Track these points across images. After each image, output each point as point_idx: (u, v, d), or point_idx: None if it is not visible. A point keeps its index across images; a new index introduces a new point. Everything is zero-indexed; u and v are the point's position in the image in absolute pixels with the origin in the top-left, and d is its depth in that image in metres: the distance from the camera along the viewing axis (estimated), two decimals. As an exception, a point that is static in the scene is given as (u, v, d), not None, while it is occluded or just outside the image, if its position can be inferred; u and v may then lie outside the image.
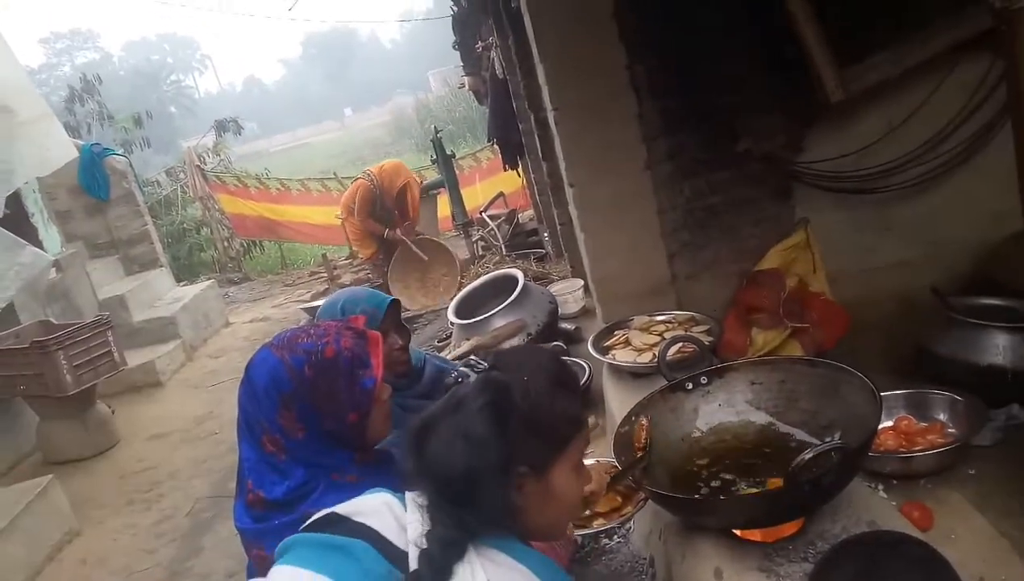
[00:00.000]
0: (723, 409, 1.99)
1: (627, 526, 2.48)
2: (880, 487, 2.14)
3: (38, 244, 6.21)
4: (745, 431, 1.94)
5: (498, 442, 1.03)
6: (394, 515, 1.08)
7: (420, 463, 1.07)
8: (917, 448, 2.22)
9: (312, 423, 1.41)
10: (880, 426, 2.06)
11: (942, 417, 2.38)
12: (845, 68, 2.71)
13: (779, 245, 3.04)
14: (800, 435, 1.84)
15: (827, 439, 1.70)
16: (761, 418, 1.94)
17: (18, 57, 5.60)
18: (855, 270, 3.08)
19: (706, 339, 2.60)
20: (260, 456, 1.43)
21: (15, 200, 5.95)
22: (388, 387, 1.54)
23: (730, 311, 3.08)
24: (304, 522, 1.35)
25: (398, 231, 6.82)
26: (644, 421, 1.89)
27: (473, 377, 1.19)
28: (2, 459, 4.63)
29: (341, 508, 1.11)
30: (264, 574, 1.41)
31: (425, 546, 1.01)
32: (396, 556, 1.03)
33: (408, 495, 1.10)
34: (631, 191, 2.97)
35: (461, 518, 1.01)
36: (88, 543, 3.70)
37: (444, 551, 0.99)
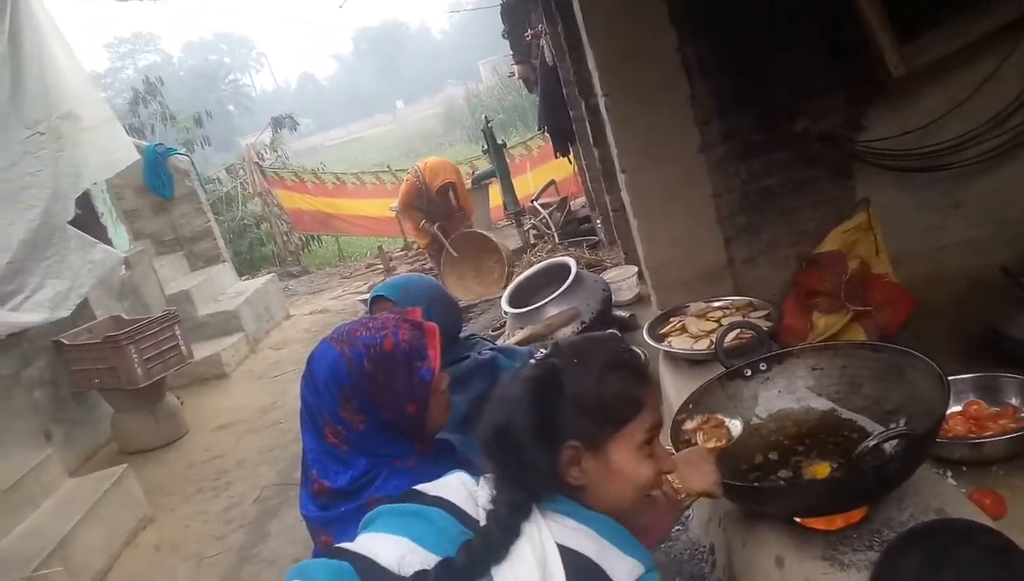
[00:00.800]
0: (783, 396, 1.96)
1: (686, 514, 2.47)
2: (949, 474, 2.07)
3: (108, 243, 6.44)
4: (806, 417, 1.90)
5: (536, 407, 1.10)
6: (467, 490, 1.15)
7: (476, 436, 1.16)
8: (988, 433, 2.14)
9: (372, 415, 1.44)
10: (948, 411, 1.99)
11: (1014, 401, 2.29)
12: (906, 44, 2.62)
13: (839, 227, 2.96)
14: (863, 421, 1.80)
15: (892, 425, 1.66)
16: (823, 404, 1.90)
17: (84, 63, 5.82)
18: (920, 251, 2.98)
19: (765, 325, 2.56)
20: (323, 447, 1.47)
21: (85, 201, 6.19)
22: (446, 377, 1.55)
23: (789, 295, 3.01)
24: (368, 508, 1.39)
25: (435, 226, 6.88)
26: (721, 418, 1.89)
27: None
28: (80, 449, 4.84)
29: (419, 486, 1.18)
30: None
31: (492, 508, 1.07)
32: (469, 522, 1.09)
33: (481, 478, 1.17)
34: (685, 175, 2.93)
35: (524, 483, 1.08)
36: (161, 529, 3.85)
37: (511, 511, 1.05)
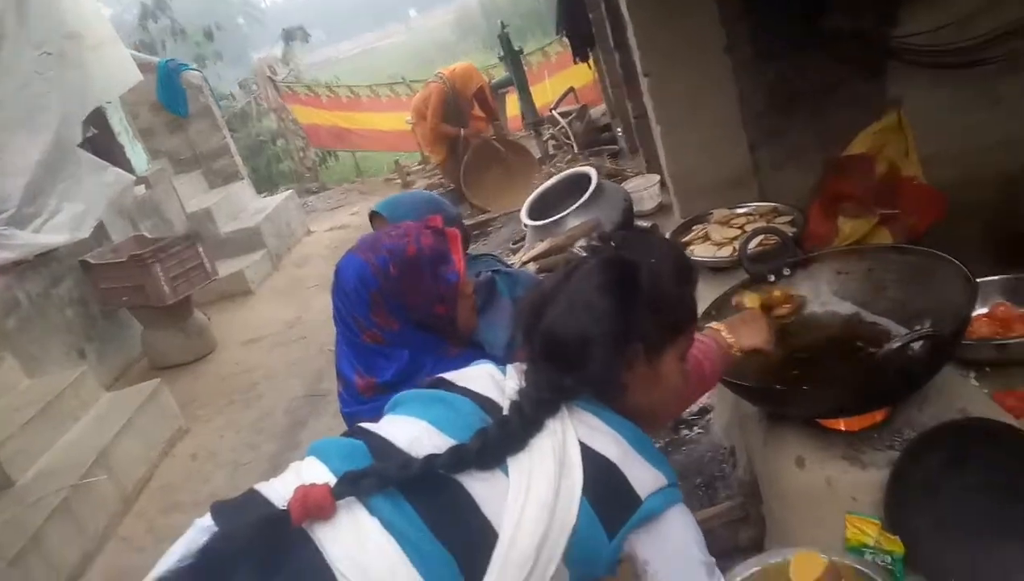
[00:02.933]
0: (807, 300, 1.95)
1: (707, 417, 2.51)
2: (972, 375, 2.07)
3: (126, 162, 6.44)
4: (830, 322, 1.90)
5: (618, 316, 1.06)
6: (494, 380, 1.14)
7: (534, 329, 1.10)
8: (1014, 335, 2.12)
9: (403, 316, 1.51)
10: (974, 313, 1.98)
11: (1042, 303, 2.26)
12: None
13: (869, 128, 2.87)
14: (888, 324, 1.80)
15: (917, 327, 1.65)
16: (847, 308, 1.89)
17: (88, -22, 5.67)
18: (954, 151, 2.88)
19: (789, 230, 2.53)
20: (362, 347, 1.53)
21: (101, 120, 6.15)
22: (472, 282, 1.61)
23: (815, 200, 2.95)
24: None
25: (475, 132, 6.76)
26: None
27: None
28: (113, 366, 4.98)
29: (448, 374, 1.18)
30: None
31: (518, 399, 1.05)
32: (494, 410, 1.08)
33: (509, 367, 1.15)
34: (710, 78, 2.83)
35: (561, 382, 1.05)
36: (196, 439, 3.98)
37: (537, 406, 1.03)
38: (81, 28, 5.17)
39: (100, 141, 5.84)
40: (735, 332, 1.55)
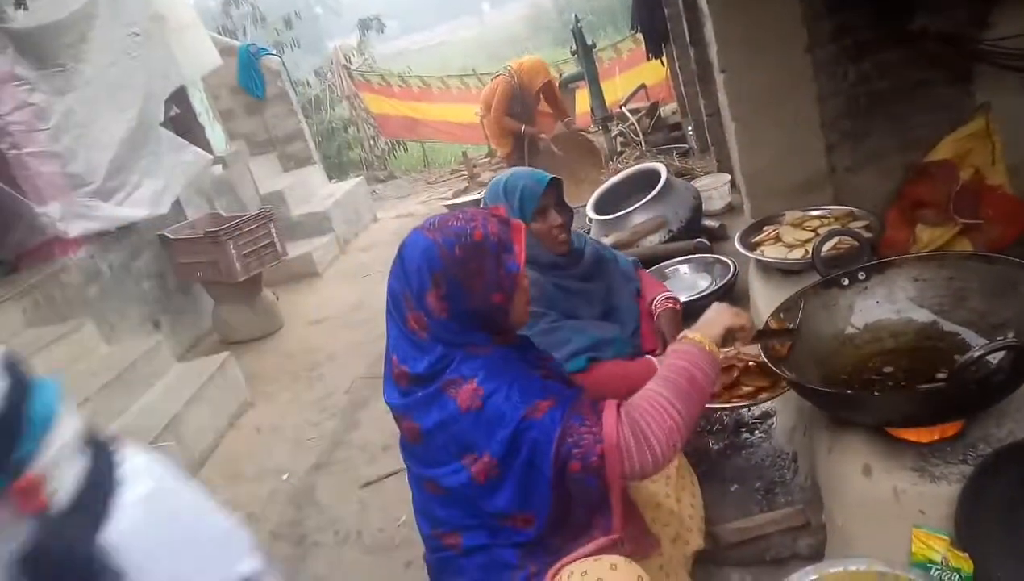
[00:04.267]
0: (881, 306, 1.91)
1: (769, 421, 2.47)
2: (1054, 394, 1.99)
3: (205, 142, 6.64)
4: (905, 329, 1.85)
5: None
6: None
7: None
8: (1102, 355, 2.03)
9: (457, 302, 1.49)
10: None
11: None
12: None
13: (954, 134, 2.77)
14: (968, 334, 1.74)
15: (999, 339, 1.60)
16: (924, 316, 1.84)
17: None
18: (1043, 161, 2.77)
19: (865, 235, 2.46)
20: (404, 333, 1.54)
21: (184, 100, 6.37)
22: (527, 276, 1.60)
23: (893, 206, 2.87)
24: (442, 392, 1.47)
25: (535, 130, 6.76)
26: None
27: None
28: (185, 338, 5.16)
29: None
30: (414, 442, 1.53)
31: None
32: None
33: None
34: (789, 76, 2.77)
35: None
36: (261, 414, 4.10)
37: None
38: (166, 11, 5.38)
39: (182, 120, 6.05)
40: (701, 329, 1.59)
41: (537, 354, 1.71)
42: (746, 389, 2.02)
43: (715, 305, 1.67)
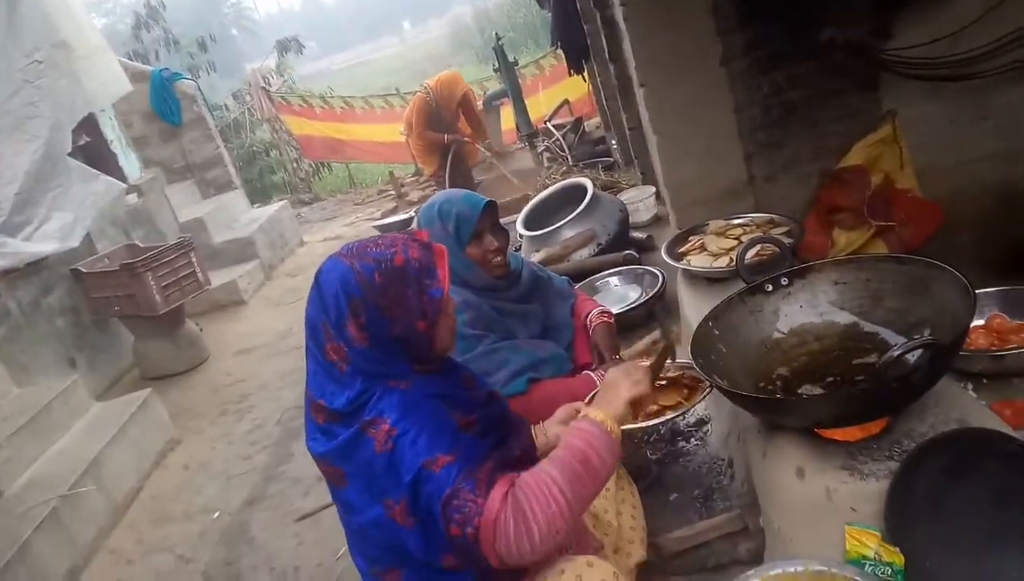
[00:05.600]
0: (805, 310, 1.95)
1: (704, 428, 2.50)
2: (970, 387, 2.08)
3: (119, 170, 6.41)
4: (829, 332, 1.90)
5: None
6: None
7: None
8: (1010, 346, 2.13)
9: (378, 330, 1.44)
10: (971, 324, 1.98)
11: (1038, 315, 2.27)
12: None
13: (864, 140, 2.90)
14: (887, 334, 1.80)
15: (916, 337, 1.65)
16: (845, 318, 1.89)
17: (80, -12, 5.69)
18: (948, 164, 2.91)
19: (786, 241, 2.52)
20: (322, 365, 1.48)
21: (94, 128, 6.13)
22: (453, 300, 1.57)
23: (811, 212, 2.97)
24: (362, 434, 1.41)
25: (458, 136, 6.81)
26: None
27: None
28: (104, 375, 4.93)
29: None
30: (338, 485, 1.49)
31: None
32: None
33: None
34: (706, 89, 2.85)
35: None
36: (188, 450, 3.94)
37: None
38: (71, 37, 5.17)
39: (93, 149, 5.82)
40: (599, 404, 1.51)
41: (463, 376, 1.68)
42: (654, 408, 1.98)
43: (614, 370, 1.58)
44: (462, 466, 1.37)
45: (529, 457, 1.67)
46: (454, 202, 2.20)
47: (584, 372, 2.22)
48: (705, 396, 1.90)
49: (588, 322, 2.41)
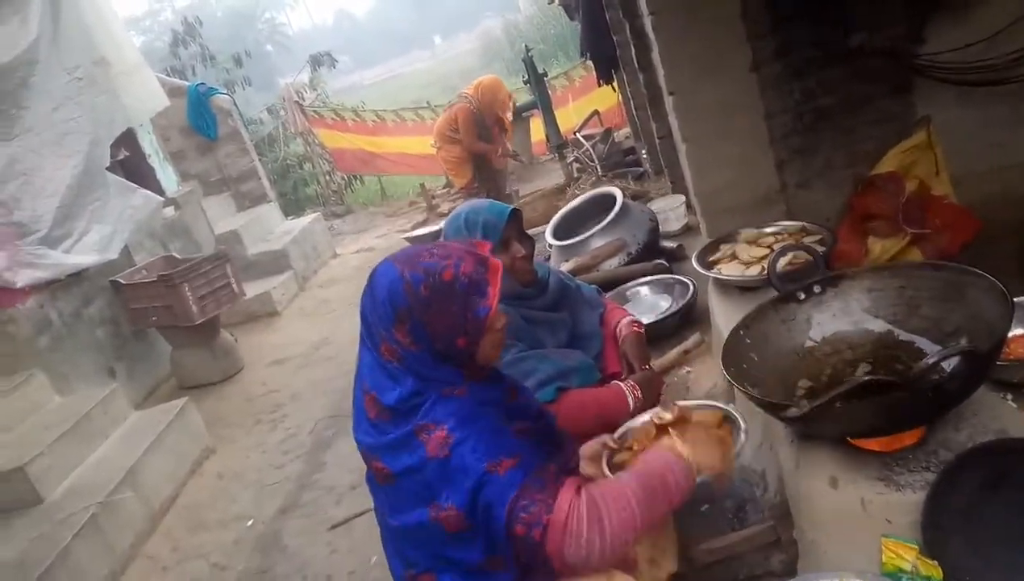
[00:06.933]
0: (838, 318, 1.93)
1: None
2: (1009, 396, 2.03)
3: (156, 183, 6.55)
4: (863, 340, 1.87)
5: None
6: None
7: None
8: (1052, 356, 2.08)
9: (422, 340, 1.46)
10: (1010, 334, 1.94)
11: (1080, 324, 2.21)
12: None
13: (897, 146, 2.85)
14: (922, 342, 1.76)
15: (952, 345, 1.62)
16: (879, 326, 1.86)
17: (122, 6, 5.85)
18: (984, 170, 2.85)
19: (819, 249, 2.49)
20: (377, 361, 1.50)
21: (133, 142, 6.27)
22: (503, 317, 1.56)
23: (844, 219, 2.93)
24: (413, 436, 1.42)
25: (500, 149, 6.80)
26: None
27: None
28: (142, 384, 5.03)
29: None
30: (381, 483, 1.49)
31: None
32: None
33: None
34: (736, 96, 2.83)
35: None
36: (223, 459, 4.00)
37: None
38: (110, 54, 5.33)
39: (131, 163, 5.96)
40: (694, 451, 1.52)
41: (508, 386, 1.68)
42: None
43: (718, 437, 1.61)
44: (527, 468, 1.39)
45: (576, 472, 1.68)
46: (479, 212, 2.21)
47: (613, 382, 2.21)
48: (739, 450, 1.84)
49: (618, 331, 2.40)
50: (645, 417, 1.96)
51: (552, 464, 1.47)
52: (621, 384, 2.17)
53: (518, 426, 1.53)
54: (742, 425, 1.82)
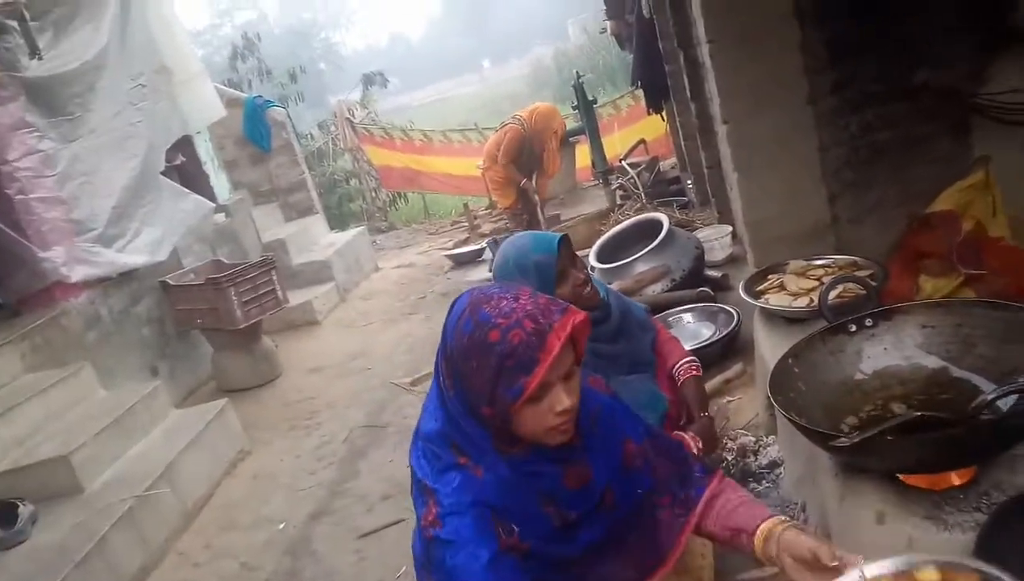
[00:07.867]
0: (889, 353, 1.89)
1: (777, 471, 2.43)
2: (1067, 443, 1.97)
3: (210, 190, 6.72)
4: (914, 376, 1.83)
5: None
6: None
7: None
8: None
9: (458, 387, 1.36)
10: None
11: None
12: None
13: (955, 185, 2.80)
14: (978, 380, 1.72)
15: (1011, 382, 1.58)
16: (933, 362, 1.82)
17: (184, 20, 6.07)
18: (1043, 214, 2.79)
19: (871, 283, 2.46)
20: (436, 383, 1.45)
21: (190, 150, 6.46)
22: (565, 400, 1.32)
23: (896, 256, 2.88)
24: (421, 493, 1.38)
25: (532, 183, 6.85)
26: None
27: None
28: (183, 384, 5.12)
29: None
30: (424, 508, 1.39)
31: None
32: None
33: None
34: (790, 127, 2.81)
35: None
36: (258, 461, 4.04)
37: None
38: (173, 63, 5.52)
39: (188, 169, 6.13)
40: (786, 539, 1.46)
41: (575, 468, 1.44)
42: None
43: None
44: None
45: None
46: (526, 254, 2.09)
47: (675, 432, 2.16)
48: None
49: (676, 374, 2.38)
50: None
51: None
52: (685, 437, 2.10)
53: (558, 516, 1.39)
54: None
